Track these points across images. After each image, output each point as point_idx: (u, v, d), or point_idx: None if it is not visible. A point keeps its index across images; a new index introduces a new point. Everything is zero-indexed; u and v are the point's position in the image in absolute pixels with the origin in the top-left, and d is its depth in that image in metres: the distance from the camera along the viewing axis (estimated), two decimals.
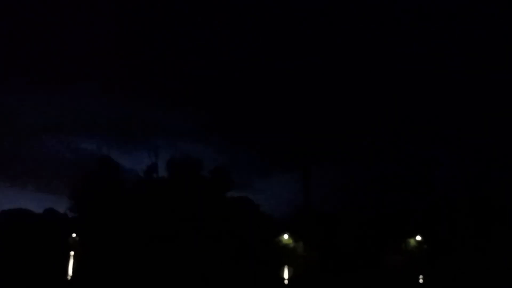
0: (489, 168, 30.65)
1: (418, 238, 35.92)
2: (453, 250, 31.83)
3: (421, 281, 23.16)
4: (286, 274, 25.93)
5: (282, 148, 42.86)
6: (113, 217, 35.34)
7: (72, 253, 36.12)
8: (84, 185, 38.23)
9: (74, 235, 39.14)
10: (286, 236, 37.20)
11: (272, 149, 43.70)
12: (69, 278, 20.04)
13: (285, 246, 36.97)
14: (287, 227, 37.54)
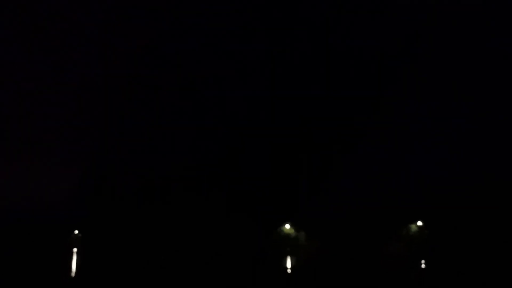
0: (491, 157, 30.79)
1: (419, 223, 36.07)
2: (455, 233, 32.00)
3: (423, 266, 23.30)
4: (288, 264, 26.06)
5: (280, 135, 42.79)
6: (115, 212, 35.46)
7: (75, 250, 36.22)
8: (84, 181, 38.34)
9: (76, 231, 39.25)
10: (287, 226, 37.34)
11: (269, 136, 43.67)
12: (73, 275, 20.15)
13: (287, 236, 37.11)
14: (289, 216, 37.68)
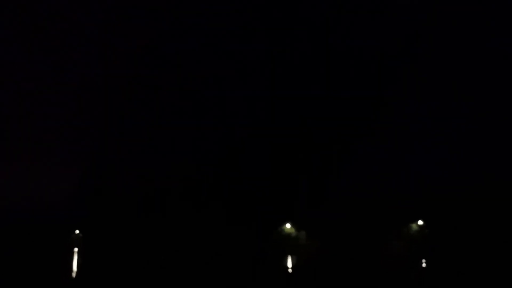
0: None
1: (420, 222, 36.03)
2: (455, 232, 31.98)
3: (424, 265, 23.28)
4: (289, 263, 26.05)
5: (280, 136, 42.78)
6: (115, 212, 35.47)
7: (76, 249, 36.23)
8: (85, 182, 38.32)
9: (77, 231, 39.26)
10: (288, 225, 37.33)
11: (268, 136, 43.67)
12: (74, 275, 20.16)
13: (288, 235, 37.11)
14: (289, 216, 37.67)
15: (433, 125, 29.17)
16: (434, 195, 33.77)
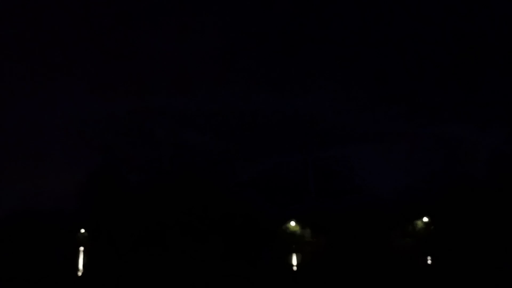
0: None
1: (425, 219, 36.01)
2: (460, 229, 31.93)
3: (429, 262, 23.23)
4: (294, 261, 26.04)
5: (285, 135, 42.77)
6: (119, 212, 35.57)
7: (81, 248, 36.38)
8: (90, 182, 38.46)
9: (82, 230, 39.44)
10: (293, 223, 37.35)
11: (274, 136, 43.67)
12: (80, 273, 20.18)
13: (293, 233, 37.15)
14: (294, 214, 37.71)
15: (438, 125, 29.04)
16: (440, 192, 33.70)
